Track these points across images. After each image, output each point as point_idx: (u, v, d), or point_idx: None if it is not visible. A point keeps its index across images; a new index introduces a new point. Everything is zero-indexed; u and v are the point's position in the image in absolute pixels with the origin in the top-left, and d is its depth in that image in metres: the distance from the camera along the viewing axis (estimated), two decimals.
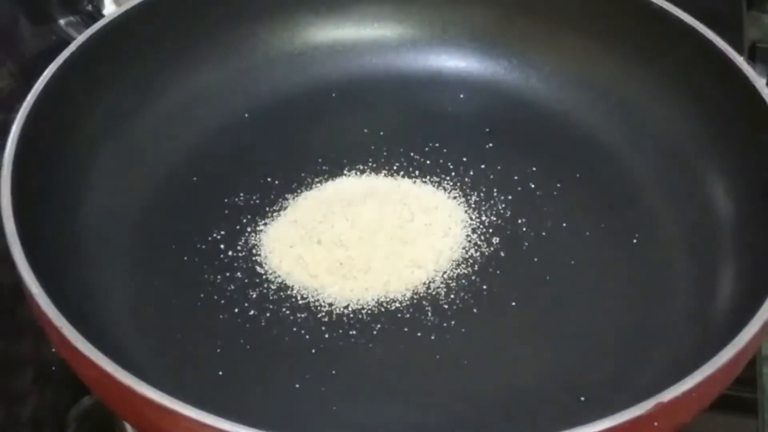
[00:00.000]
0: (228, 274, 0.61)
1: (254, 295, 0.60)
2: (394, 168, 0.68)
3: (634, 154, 0.68)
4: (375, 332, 0.59)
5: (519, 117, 0.71)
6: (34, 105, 0.59)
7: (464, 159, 0.68)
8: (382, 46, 0.74)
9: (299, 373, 0.56)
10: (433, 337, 0.58)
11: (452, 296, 0.60)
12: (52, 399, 0.62)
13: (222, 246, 0.62)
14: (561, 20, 0.71)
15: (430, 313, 0.60)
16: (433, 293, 0.61)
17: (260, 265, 0.62)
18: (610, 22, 0.70)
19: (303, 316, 0.59)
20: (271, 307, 0.59)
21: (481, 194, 0.66)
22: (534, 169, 0.68)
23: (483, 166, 0.68)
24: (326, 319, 0.59)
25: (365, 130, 0.70)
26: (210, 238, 0.63)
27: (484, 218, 0.65)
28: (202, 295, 0.60)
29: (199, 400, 0.47)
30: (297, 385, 0.56)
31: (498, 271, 0.62)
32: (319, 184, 0.67)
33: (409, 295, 0.60)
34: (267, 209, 0.65)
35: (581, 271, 0.62)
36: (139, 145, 0.66)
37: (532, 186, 0.67)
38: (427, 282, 0.61)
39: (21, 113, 0.58)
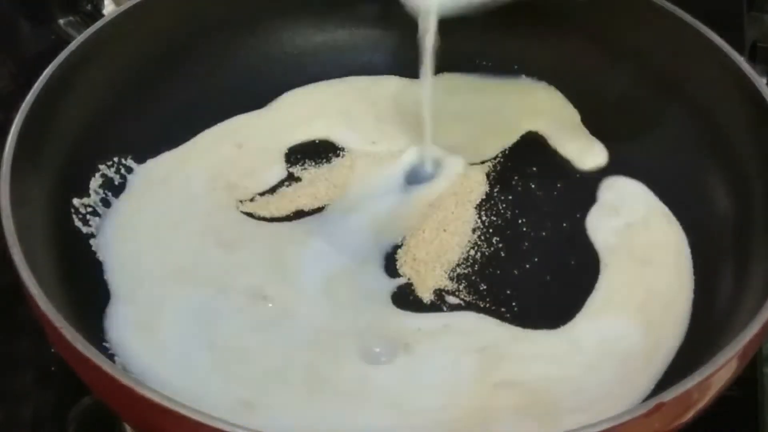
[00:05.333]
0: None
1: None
2: None
3: (635, 155, 0.68)
4: None
5: None
6: (33, 104, 0.59)
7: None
8: (381, 46, 0.74)
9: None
10: None
11: (453, 296, 0.60)
12: (52, 399, 0.62)
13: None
14: (561, 21, 0.71)
15: None
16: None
17: None
18: (610, 22, 0.70)
19: None
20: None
21: (482, 194, 0.66)
22: (534, 169, 0.68)
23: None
24: None
25: None
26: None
27: (484, 218, 0.65)
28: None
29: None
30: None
31: (498, 271, 0.62)
32: None
33: None
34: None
35: (582, 272, 0.62)
36: (139, 146, 0.66)
37: (532, 186, 0.67)
38: None
39: (20, 113, 0.58)
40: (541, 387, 0.55)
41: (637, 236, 0.64)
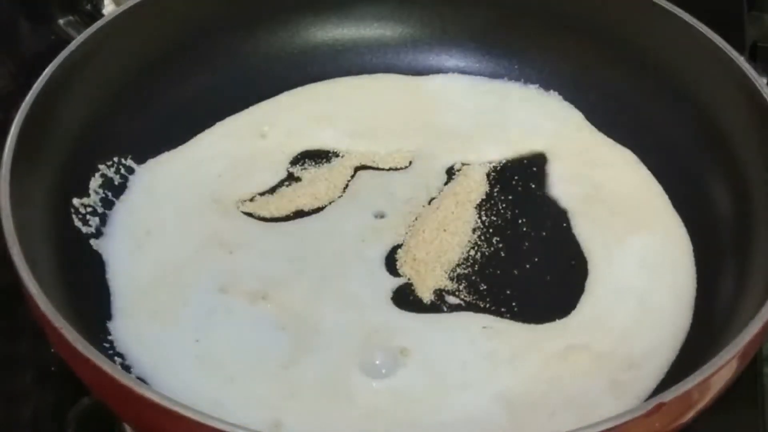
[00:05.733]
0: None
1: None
2: None
3: (634, 154, 0.68)
4: None
5: None
6: (33, 104, 0.59)
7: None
8: (382, 46, 0.74)
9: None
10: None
11: (453, 296, 0.60)
12: (52, 399, 0.62)
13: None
14: (561, 21, 0.71)
15: None
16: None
17: None
18: (610, 22, 0.70)
19: None
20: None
21: (482, 194, 0.66)
22: (534, 169, 0.68)
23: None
24: None
25: None
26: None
27: (484, 218, 0.65)
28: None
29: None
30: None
31: (498, 271, 0.62)
32: None
33: None
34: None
35: (582, 272, 0.62)
36: (138, 146, 0.66)
37: (532, 186, 0.67)
38: None
39: (20, 113, 0.58)
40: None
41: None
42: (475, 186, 0.66)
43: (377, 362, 0.56)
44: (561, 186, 0.67)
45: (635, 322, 0.59)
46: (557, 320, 0.59)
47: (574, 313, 0.59)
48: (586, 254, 0.63)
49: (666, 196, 0.66)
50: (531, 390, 0.55)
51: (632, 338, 0.58)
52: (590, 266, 0.62)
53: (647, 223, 0.64)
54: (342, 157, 0.68)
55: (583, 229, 0.64)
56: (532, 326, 0.59)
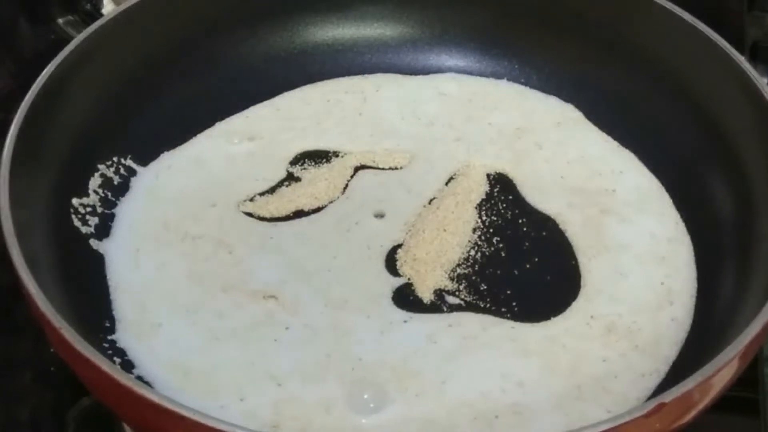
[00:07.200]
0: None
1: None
2: None
3: (635, 154, 0.68)
4: None
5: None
6: (32, 104, 0.59)
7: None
8: (382, 46, 0.74)
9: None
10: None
11: (453, 296, 0.60)
12: (51, 399, 0.62)
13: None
14: (561, 21, 0.72)
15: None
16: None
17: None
18: (610, 22, 0.70)
19: None
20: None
21: (482, 194, 0.66)
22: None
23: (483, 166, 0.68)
24: None
25: None
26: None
27: (484, 218, 0.65)
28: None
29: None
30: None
31: (498, 271, 0.62)
32: None
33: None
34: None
35: (582, 272, 0.62)
36: (138, 146, 0.66)
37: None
38: None
39: (19, 112, 0.58)
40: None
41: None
42: (475, 186, 0.66)
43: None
44: (560, 186, 0.67)
45: (635, 322, 0.59)
46: (557, 319, 0.59)
47: (574, 313, 0.59)
48: (585, 254, 0.63)
49: (666, 196, 0.66)
50: (533, 390, 0.55)
51: (632, 338, 0.58)
52: (589, 266, 0.62)
53: (647, 223, 0.64)
54: (342, 157, 0.68)
55: (582, 229, 0.64)
56: (533, 326, 0.59)
